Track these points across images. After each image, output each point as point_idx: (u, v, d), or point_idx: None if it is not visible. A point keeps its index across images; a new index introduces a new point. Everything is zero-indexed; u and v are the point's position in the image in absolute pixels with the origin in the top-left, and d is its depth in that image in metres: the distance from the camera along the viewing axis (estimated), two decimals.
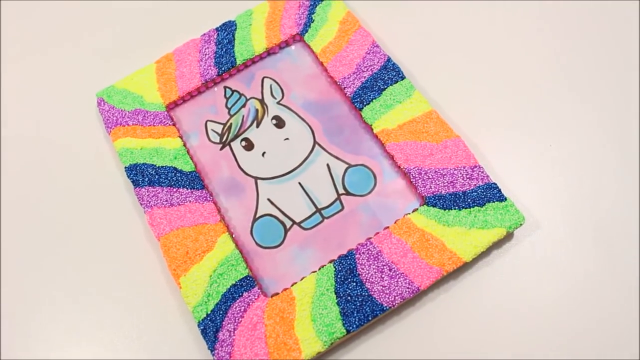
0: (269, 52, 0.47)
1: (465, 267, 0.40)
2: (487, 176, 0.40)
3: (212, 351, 0.37)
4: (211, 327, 0.37)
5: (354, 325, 0.37)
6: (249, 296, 0.38)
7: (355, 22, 0.46)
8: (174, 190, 0.42)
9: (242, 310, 0.38)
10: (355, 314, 0.37)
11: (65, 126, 0.47)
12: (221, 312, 0.38)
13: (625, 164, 0.42)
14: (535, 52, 0.46)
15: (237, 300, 0.38)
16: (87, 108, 0.47)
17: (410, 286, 0.37)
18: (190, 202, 0.41)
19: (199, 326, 0.38)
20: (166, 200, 0.41)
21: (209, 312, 0.38)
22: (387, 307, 0.37)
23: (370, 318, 0.37)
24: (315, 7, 0.47)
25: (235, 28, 0.47)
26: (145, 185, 0.42)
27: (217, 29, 0.48)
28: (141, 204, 0.41)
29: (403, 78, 0.44)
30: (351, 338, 0.38)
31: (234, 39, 0.47)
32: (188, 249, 0.40)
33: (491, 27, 0.48)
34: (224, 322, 0.38)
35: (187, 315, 0.40)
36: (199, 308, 0.38)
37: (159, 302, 0.40)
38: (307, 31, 0.47)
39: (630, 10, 0.47)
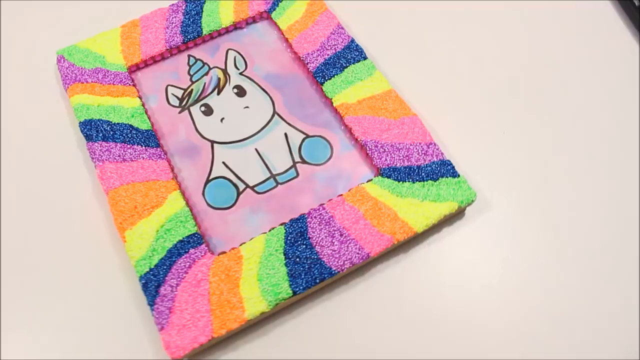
0: (236, 27, 0.46)
1: (415, 240, 0.38)
2: (442, 153, 0.39)
3: (151, 306, 0.34)
4: (153, 282, 0.35)
5: (301, 287, 0.34)
6: (195, 253, 0.36)
7: (322, 5, 0.46)
8: (128, 146, 0.39)
9: (186, 266, 0.35)
10: (302, 276, 0.35)
11: (22, 84, 0.44)
12: (165, 267, 0.35)
13: (574, 156, 0.41)
14: (495, 45, 0.46)
15: (183, 256, 0.35)
16: (47, 67, 0.45)
17: (360, 252, 0.36)
18: (143, 158, 0.39)
19: (140, 280, 0.35)
20: (119, 156, 0.39)
21: (152, 267, 0.35)
22: (336, 271, 0.35)
23: (317, 281, 0.35)
24: None
25: (204, 1, 0.46)
26: (99, 140, 0.39)
27: (186, 0, 0.46)
28: (92, 158, 0.39)
29: (365, 58, 0.43)
30: (297, 302, 0.36)
31: (202, 11, 0.45)
32: (137, 204, 0.37)
33: (451, 18, 0.48)
34: (166, 277, 0.35)
35: (129, 272, 0.37)
36: (142, 262, 0.35)
37: (101, 258, 0.37)
38: (274, 9, 0.46)
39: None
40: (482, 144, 0.42)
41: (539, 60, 0.46)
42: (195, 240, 0.36)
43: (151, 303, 0.34)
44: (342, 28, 0.44)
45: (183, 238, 0.36)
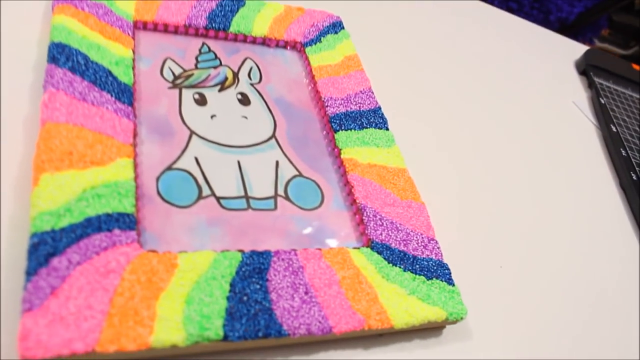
0: (264, 42, 0.38)
1: (382, 340, 0.28)
2: (442, 254, 0.31)
3: (29, 276, 0.22)
4: (47, 246, 0.23)
5: (237, 334, 0.24)
6: (120, 236, 0.25)
7: (359, 64, 0.39)
8: (96, 89, 0.29)
9: (101, 246, 0.24)
10: (243, 320, 0.24)
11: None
12: (72, 236, 0.24)
13: (576, 304, 0.34)
14: (526, 174, 0.41)
15: (102, 233, 0.24)
16: None
17: (322, 322, 0.25)
18: (107, 108, 0.29)
19: (31, 238, 0.23)
20: (80, 93, 0.28)
21: (55, 228, 0.23)
22: (286, 332, 0.25)
23: (259, 334, 0.24)
24: (328, 33, 0.40)
25: (243, 5, 0.39)
26: (64, 68, 0.29)
27: None
28: (45, 83, 0.28)
29: (387, 129, 0.36)
30: (222, 356, 0.25)
31: (237, 12, 0.38)
32: (74, 150, 0.26)
33: (491, 127, 0.43)
34: (68, 249, 0.23)
35: (21, 226, 0.25)
36: (45, 217, 0.24)
37: None
38: (311, 45, 0.39)
39: None
40: (476, 273, 0.34)
41: (567, 214, 0.41)
42: (126, 222, 0.25)
43: (31, 271, 0.22)
44: (372, 93, 0.38)
45: (112, 213, 0.25)
